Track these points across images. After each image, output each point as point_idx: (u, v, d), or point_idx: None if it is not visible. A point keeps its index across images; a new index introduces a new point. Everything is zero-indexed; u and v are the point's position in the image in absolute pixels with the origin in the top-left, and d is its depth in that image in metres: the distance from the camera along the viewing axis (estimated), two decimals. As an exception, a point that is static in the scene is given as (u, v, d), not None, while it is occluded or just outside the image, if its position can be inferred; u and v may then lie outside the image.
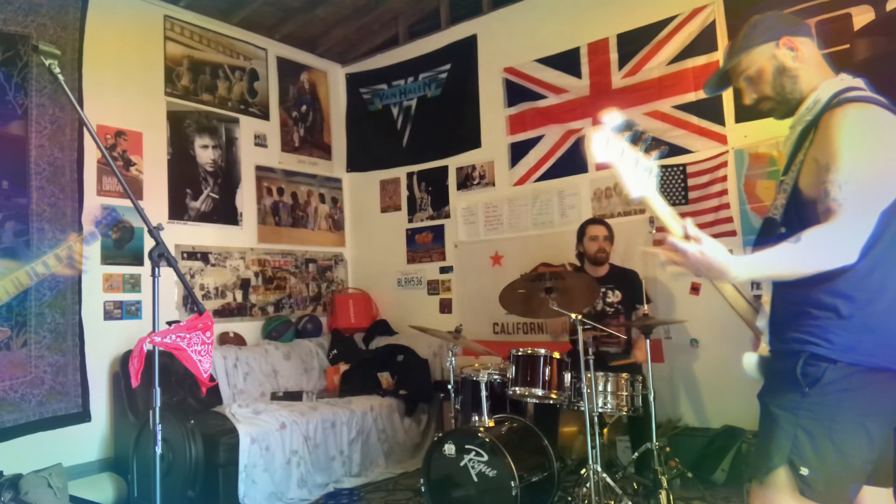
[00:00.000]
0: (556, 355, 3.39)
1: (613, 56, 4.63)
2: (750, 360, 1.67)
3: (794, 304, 1.57)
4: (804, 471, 1.46)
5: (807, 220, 1.50)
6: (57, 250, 2.21)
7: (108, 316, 4.26)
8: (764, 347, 1.66)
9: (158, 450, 1.96)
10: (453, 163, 5.47)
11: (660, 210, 1.46)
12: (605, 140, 1.37)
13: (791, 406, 1.51)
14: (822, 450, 1.46)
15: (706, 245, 1.40)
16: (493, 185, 5.22)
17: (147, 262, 2.10)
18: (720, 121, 4.17)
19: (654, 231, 4.35)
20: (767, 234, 1.64)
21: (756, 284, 1.69)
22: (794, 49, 1.67)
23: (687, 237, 1.43)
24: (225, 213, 5.12)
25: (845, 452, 1.45)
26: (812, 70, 1.67)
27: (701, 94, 4.22)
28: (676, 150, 4.32)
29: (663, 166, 4.29)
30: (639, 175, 1.43)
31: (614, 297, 3.92)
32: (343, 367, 5.11)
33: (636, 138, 1.43)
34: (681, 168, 4.30)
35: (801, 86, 1.67)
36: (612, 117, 1.39)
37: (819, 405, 1.47)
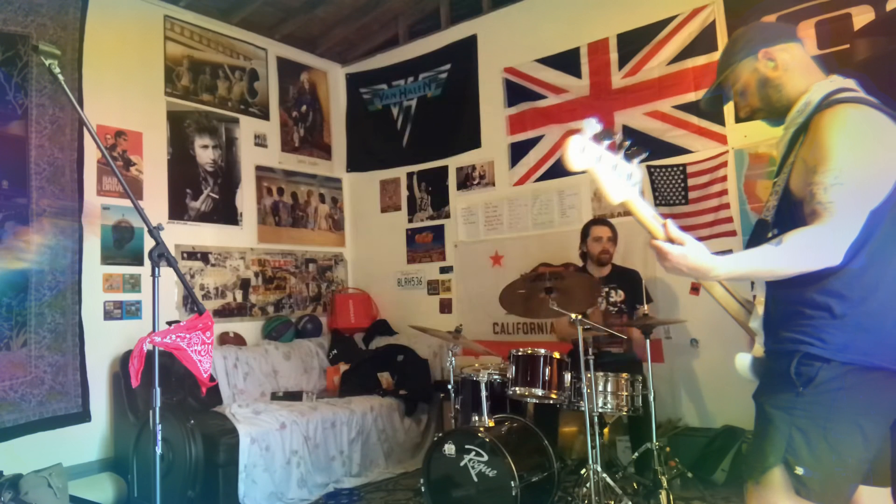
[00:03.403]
0: (556, 355, 3.39)
1: (613, 56, 4.63)
2: (743, 360, 1.67)
3: (788, 303, 1.57)
4: (799, 470, 1.46)
5: (798, 221, 1.50)
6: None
7: (108, 316, 4.26)
8: (758, 348, 1.66)
9: (158, 450, 1.96)
10: (453, 163, 5.47)
11: (642, 214, 1.46)
12: (581, 147, 1.36)
13: (786, 406, 1.51)
14: (817, 449, 1.46)
15: (688, 246, 1.41)
16: (493, 185, 5.22)
17: (147, 262, 2.10)
18: (720, 121, 4.17)
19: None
20: (759, 236, 1.64)
21: (752, 284, 1.69)
22: (773, 59, 1.68)
23: (670, 239, 1.43)
24: (225, 213, 5.12)
25: (841, 452, 1.45)
26: (797, 75, 1.68)
27: (701, 94, 4.22)
28: (676, 150, 4.32)
29: (663, 166, 4.32)
30: (618, 180, 1.42)
31: (617, 296, 3.92)
32: (343, 367, 5.11)
33: (614, 144, 1.43)
34: (681, 168, 4.30)
35: (788, 92, 1.68)
36: (591, 124, 1.38)
37: (814, 404, 1.47)
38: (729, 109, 4.13)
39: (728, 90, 1.80)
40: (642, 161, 1.49)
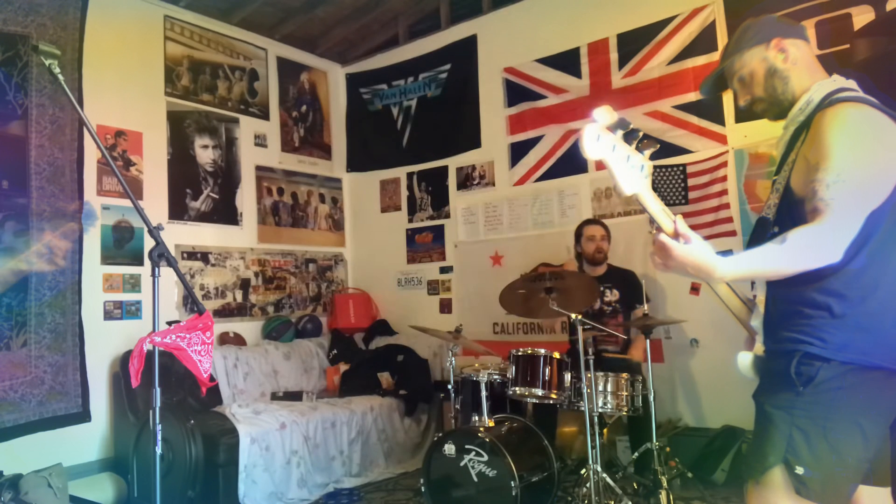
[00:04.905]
0: (556, 355, 3.39)
1: (613, 56, 4.63)
2: (744, 359, 1.67)
3: (787, 303, 1.57)
4: (800, 470, 1.46)
5: (799, 219, 1.50)
6: (36, 246, 2.23)
7: (108, 316, 4.26)
8: (759, 347, 1.66)
9: (158, 450, 1.96)
10: (453, 163, 5.47)
11: (652, 207, 1.45)
12: (596, 135, 1.35)
13: (786, 405, 1.51)
14: (817, 449, 1.46)
15: (694, 244, 1.40)
16: (493, 185, 5.22)
17: (147, 262, 2.10)
18: (720, 121, 4.18)
19: (655, 231, 4.34)
20: (760, 234, 1.64)
21: (753, 284, 1.69)
22: (784, 51, 1.68)
23: (676, 235, 1.43)
24: (225, 213, 5.12)
25: (841, 451, 1.45)
26: (803, 71, 1.68)
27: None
28: (676, 150, 4.32)
29: (663, 166, 4.31)
30: (630, 171, 1.41)
31: (612, 295, 3.93)
32: (343, 367, 5.11)
33: (628, 135, 1.42)
34: (681, 168, 4.30)
35: (793, 87, 1.68)
36: (605, 113, 1.37)
37: (814, 404, 1.47)
38: (729, 110, 4.14)
39: (730, 78, 1.79)
40: (653, 153, 1.48)
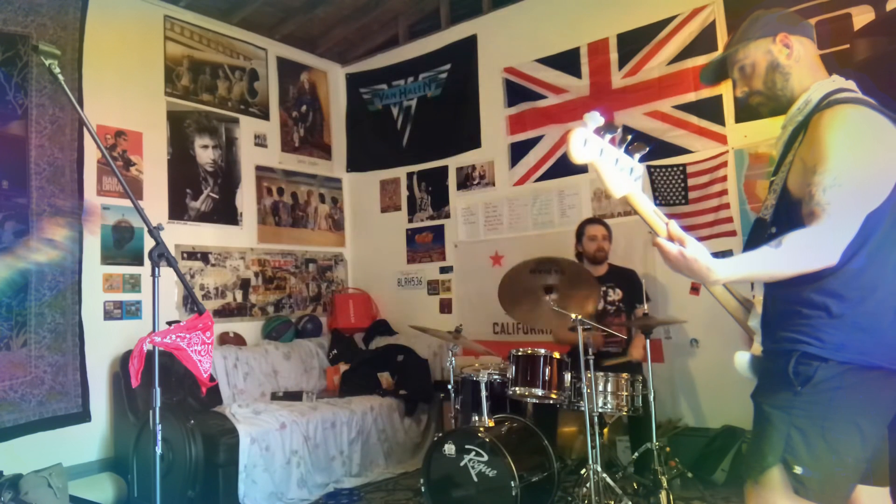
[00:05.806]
0: (556, 355, 3.39)
1: (613, 56, 4.63)
2: (742, 358, 1.67)
3: (785, 303, 1.56)
4: (798, 469, 1.45)
5: (796, 220, 1.50)
6: (31, 241, 2.23)
7: (108, 316, 4.26)
8: (757, 346, 1.65)
9: (158, 450, 1.96)
10: (453, 163, 5.47)
11: (643, 209, 1.46)
12: (583, 139, 1.35)
13: (784, 405, 1.50)
14: (816, 449, 1.46)
15: (689, 247, 1.39)
16: (493, 185, 5.22)
17: (147, 262, 2.10)
18: (720, 121, 4.17)
19: (653, 232, 4.35)
20: (758, 235, 1.64)
21: (752, 284, 1.69)
22: (789, 46, 1.67)
23: (670, 237, 1.43)
24: (225, 213, 5.12)
25: (840, 451, 1.45)
26: (805, 70, 1.68)
27: (701, 94, 4.22)
28: (676, 150, 4.32)
29: (663, 166, 4.31)
30: (619, 174, 1.41)
31: (615, 295, 3.93)
32: (343, 367, 5.11)
33: (617, 138, 1.42)
34: (681, 168, 4.30)
35: (793, 84, 1.68)
36: (593, 117, 1.38)
37: (812, 404, 1.47)
38: (729, 110, 4.14)
39: (731, 67, 1.78)
40: (644, 157, 1.48)
